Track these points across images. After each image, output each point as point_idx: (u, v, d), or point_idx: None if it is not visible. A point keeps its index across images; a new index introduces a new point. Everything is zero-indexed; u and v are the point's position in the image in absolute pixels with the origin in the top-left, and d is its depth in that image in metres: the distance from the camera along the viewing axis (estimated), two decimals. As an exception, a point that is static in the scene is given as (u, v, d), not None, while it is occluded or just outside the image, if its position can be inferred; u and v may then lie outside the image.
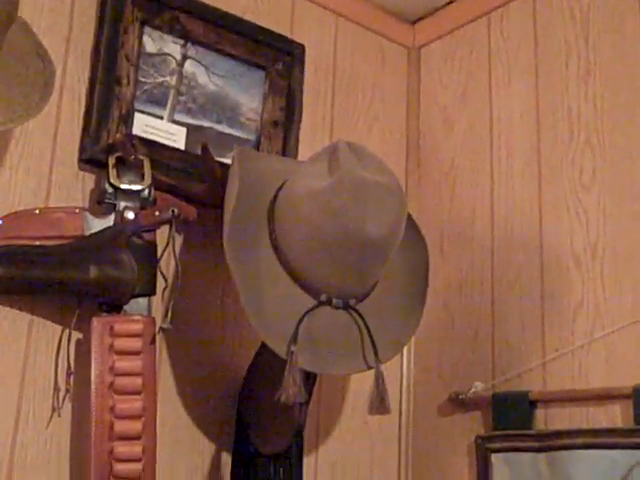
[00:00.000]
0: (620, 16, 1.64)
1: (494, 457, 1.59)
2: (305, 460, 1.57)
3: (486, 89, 1.87)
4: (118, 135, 1.45)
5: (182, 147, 1.59)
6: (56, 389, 1.37)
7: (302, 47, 1.76)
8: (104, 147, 1.45)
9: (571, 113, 1.68)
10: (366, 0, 1.96)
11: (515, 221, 1.73)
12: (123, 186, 1.41)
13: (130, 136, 1.47)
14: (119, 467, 1.30)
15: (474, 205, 1.82)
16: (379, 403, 1.39)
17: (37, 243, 1.35)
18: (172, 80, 1.60)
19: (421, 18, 2.03)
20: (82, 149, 1.47)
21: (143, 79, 1.56)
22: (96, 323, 1.35)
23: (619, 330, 1.51)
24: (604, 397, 1.49)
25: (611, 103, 1.62)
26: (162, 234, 1.45)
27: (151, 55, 1.58)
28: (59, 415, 1.37)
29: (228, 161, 1.54)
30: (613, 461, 1.42)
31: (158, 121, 1.57)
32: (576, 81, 1.68)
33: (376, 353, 1.40)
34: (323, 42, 1.88)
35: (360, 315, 1.40)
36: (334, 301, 1.38)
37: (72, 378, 1.37)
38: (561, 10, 1.74)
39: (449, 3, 1.97)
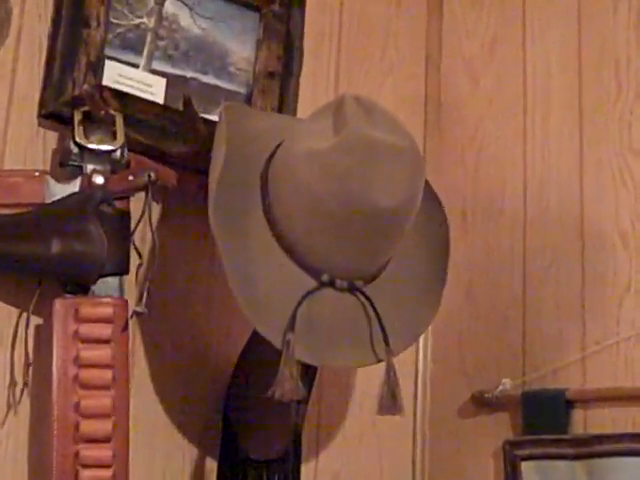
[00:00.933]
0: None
1: (524, 465, 1.60)
2: (303, 468, 1.57)
3: (519, 37, 1.87)
4: (86, 86, 1.44)
5: (161, 101, 1.58)
6: (12, 383, 1.37)
7: (303, -16, 1.77)
8: (69, 100, 1.44)
9: (619, 64, 1.69)
10: None
11: (551, 191, 1.74)
12: (91, 146, 1.40)
13: (100, 87, 1.46)
14: (85, 474, 1.29)
15: (503, 173, 1.83)
16: (390, 402, 1.40)
17: (-10, 212, 1.36)
18: (150, 22, 1.59)
19: (444, -50, 2.04)
20: (42, 102, 1.46)
21: (115, 20, 1.55)
22: (59, 306, 1.34)
23: (672, 319, 1.52)
24: (653, 396, 1.51)
25: (667, 53, 1.63)
26: (137, 202, 1.44)
27: (125, -8, 1.58)
28: (15, 413, 1.37)
29: (215, 118, 1.54)
30: (663, 471, 1.44)
31: (133, 70, 1.56)
32: (626, 28, 1.69)
33: (387, 343, 1.40)
34: (328, -21, 1.89)
35: (368, 298, 1.41)
36: (338, 282, 1.38)
37: (31, 370, 1.36)
38: (609, -60, 1.75)
39: None
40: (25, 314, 1.37)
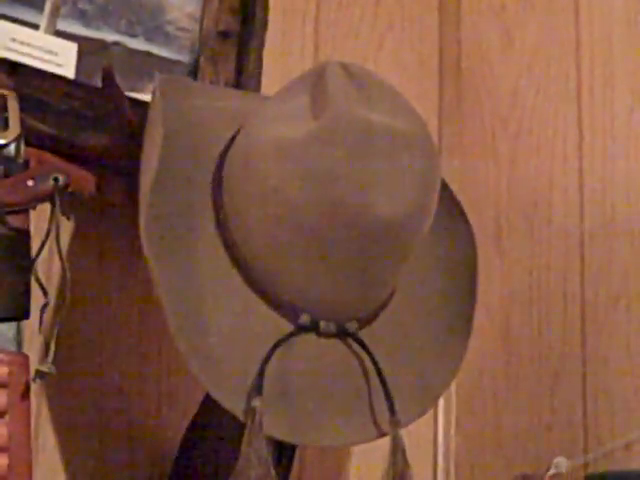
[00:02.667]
0: None
1: None
2: None
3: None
4: (-35, 56, 1.46)
5: (71, 75, 1.59)
6: None
7: None
8: (-57, 75, 1.46)
9: None
10: None
11: (618, 194, 1.76)
12: (-27, 139, 1.42)
13: (-16, 57, 1.48)
14: None
15: (552, 170, 1.85)
16: (399, 492, 1.41)
17: None
18: (53, -36, 1.61)
19: None
20: None
21: (6, -36, 1.57)
22: None
23: None
24: None
25: None
26: (40, 218, 1.45)
27: None
28: None
29: (147, 97, 1.54)
30: None
31: (31, 32, 1.58)
32: None
33: (392, 410, 1.39)
34: None
35: (365, 348, 1.41)
36: (322, 325, 1.38)
37: None
38: None
39: None
40: None
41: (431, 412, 1.71)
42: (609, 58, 1.81)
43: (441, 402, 1.79)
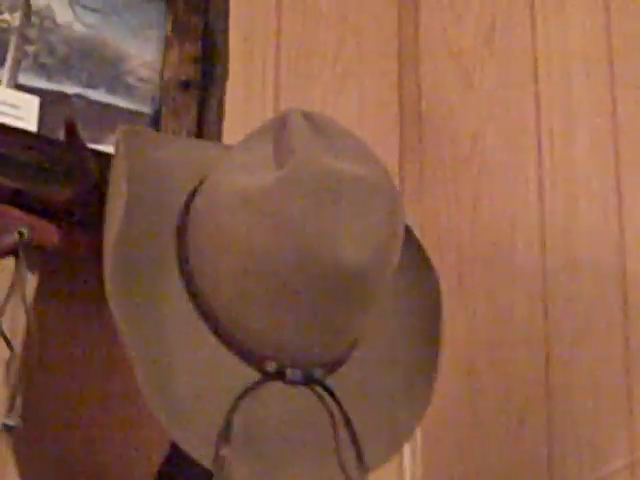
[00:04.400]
0: None
1: None
2: None
3: (527, 17, 1.92)
4: None
5: (33, 128, 1.60)
6: None
7: (225, -46, 1.80)
8: None
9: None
10: None
11: (580, 236, 1.78)
12: (-64, 194, 1.42)
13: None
14: None
15: (513, 211, 1.87)
16: (368, 542, 1.41)
17: None
18: (13, 19, 1.61)
19: None
20: None
21: (-34, 18, 1.57)
22: None
23: None
24: None
25: None
26: (4, 271, 1.46)
27: (-22, -22, 1.60)
28: None
29: (109, 149, 1.56)
30: None
31: (-7, 86, 1.59)
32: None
33: (360, 457, 1.41)
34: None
35: (332, 394, 1.41)
36: (289, 372, 1.39)
37: None
38: None
39: None
40: None
41: (397, 457, 1.71)
42: (568, 100, 1.82)
43: (407, 448, 1.79)
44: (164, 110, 1.71)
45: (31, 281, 1.55)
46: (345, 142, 1.40)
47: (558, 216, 1.80)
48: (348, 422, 1.41)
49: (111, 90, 1.68)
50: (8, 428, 1.38)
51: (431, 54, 2.01)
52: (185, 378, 1.37)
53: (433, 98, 2.00)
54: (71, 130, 1.51)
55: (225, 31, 1.77)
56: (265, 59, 1.87)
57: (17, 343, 1.47)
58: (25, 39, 1.62)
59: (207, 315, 1.40)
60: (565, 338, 1.75)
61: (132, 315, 1.34)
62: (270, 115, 1.52)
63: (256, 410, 1.37)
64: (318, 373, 1.41)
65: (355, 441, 1.41)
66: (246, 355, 1.39)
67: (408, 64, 2.02)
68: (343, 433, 1.42)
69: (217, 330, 1.39)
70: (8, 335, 1.45)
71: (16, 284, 1.45)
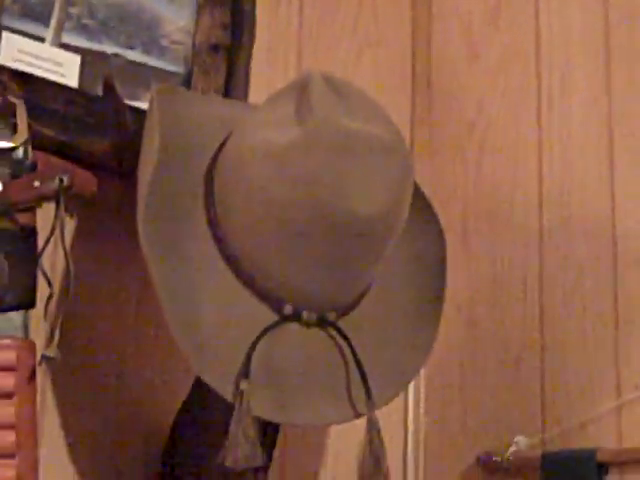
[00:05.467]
0: None
1: None
2: None
3: (530, -2, 1.90)
4: (-24, 66, 1.45)
5: (74, 84, 1.57)
6: None
7: None
8: (-43, 84, 1.45)
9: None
10: None
11: (575, 195, 1.77)
12: (-15, 143, 1.42)
13: (-5, 67, 1.47)
14: None
15: (514, 172, 1.86)
16: (373, 469, 1.39)
17: None
18: (59, -18, 1.61)
19: None
20: None
21: (14, -19, 1.56)
22: (-54, 350, 1.35)
23: None
24: None
25: None
26: (46, 215, 1.44)
27: (26, -56, 1.58)
28: None
29: (144, 105, 1.54)
30: None
31: (38, 45, 1.56)
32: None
33: (368, 393, 1.40)
34: None
35: (344, 335, 1.41)
36: (304, 315, 1.39)
37: None
38: None
39: None
40: None
41: (402, 395, 1.72)
42: (566, 71, 1.82)
43: (411, 386, 1.79)
44: (195, 71, 1.69)
45: (70, 225, 1.54)
46: (361, 104, 1.39)
47: (555, 178, 1.80)
48: (358, 362, 1.41)
49: (147, 51, 1.66)
50: (47, 359, 1.38)
51: (442, 28, 2.01)
52: (209, 318, 1.36)
53: (442, 67, 1.99)
54: (109, 87, 1.52)
55: (253, 1, 1.74)
56: (289, 27, 1.86)
57: (56, 281, 1.46)
58: (68, 1, 1.60)
59: (230, 259, 1.39)
60: (558, 290, 1.75)
61: (161, 257, 1.34)
62: (293, 77, 1.50)
63: (273, 349, 1.37)
64: (331, 316, 1.41)
65: (364, 380, 1.40)
66: (265, 298, 1.38)
67: (420, 36, 2.01)
68: (353, 372, 1.41)
69: (239, 273, 1.39)
70: (48, 273, 1.44)
71: (56, 227, 1.43)
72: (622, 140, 1.72)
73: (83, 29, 1.61)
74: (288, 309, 1.38)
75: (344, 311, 1.43)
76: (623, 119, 1.73)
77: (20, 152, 1.43)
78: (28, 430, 1.35)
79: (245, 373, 1.32)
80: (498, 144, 1.88)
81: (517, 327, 1.77)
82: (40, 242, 1.43)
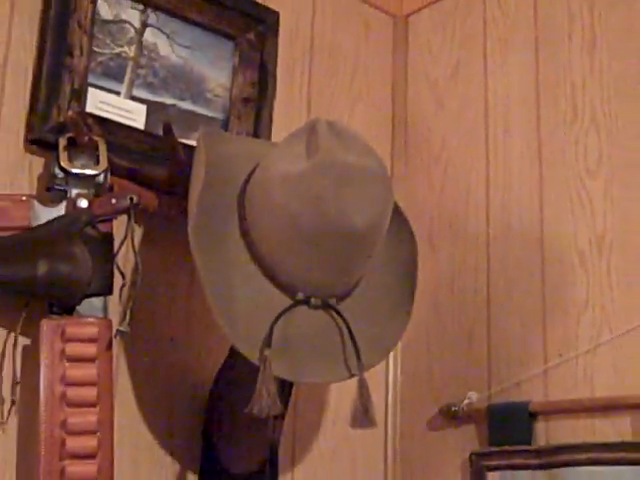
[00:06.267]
0: (629, -17, 1.66)
1: (490, 475, 1.60)
2: (280, 481, 1.59)
3: (481, 62, 1.88)
4: (70, 113, 1.44)
5: (142, 127, 1.58)
6: (0, 401, 1.36)
7: (276, 15, 1.77)
8: (54, 126, 1.44)
9: (575, 89, 1.69)
10: (348, -38, 1.98)
11: (513, 211, 1.75)
12: (75, 170, 1.40)
13: (83, 114, 1.46)
14: (71, 489, 1.30)
15: (468, 192, 1.84)
16: (363, 415, 1.40)
17: (-23, 235, 1.34)
18: (130, 51, 1.59)
19: (409, -18, 2.05)
20: (29, 128, 1.46)
21: (98, 49, 1.55)
22: (45, 326, 1.34)
23: (629, 333, 1.52)
24: (612, 407, 1.51)
25: (619, 78, 1.64)
26: (120, 225, 1.44)
27: (107, 22, 1.57)
28: (3, 430, 1.36)
29: (193, 143, 1.53)
30: (621, 478, 1.44)
31: (115, 97, 1.56)
32: (580, 54, 1.70)
33: (359, 359, 1.40)
34: (300, 9, 1.88)
35: (341, 316, 1.40)
36: (312, 300, 1.38)
37: (18, 388, 1.36)
38: (564, -24, 1.76)
39: (440, -34, 1.99)
40: (13, 334, 1.36)
41: (384, 361, 1.70)
42: (507, 119, 1.81)
43: (392, 354, 1.78)
44: (231, 117, 1.69)
45: (138, 232, 1.54)
46: (355, 143, 1.39)
47: (498, 197, 1.78)
48: (352, 336, 1.40)
49: (195, 102, 1.66)
50: (121, 333, 1.37)
51: (414, 86, 1.99)
52: (241, 302, 1.36)
53: (415, 115, 1.98)
54: (167, 129, 1.50)
55: (274, 64, 1.75)
56: (301, 86, 1.85)
57: (127, 274, 1.45)
58: (138, 65, 1.60)
59: (257, 259, 1.39)
60: (500, 281, 1.74)
61: (206, 259, 1.34)
62: (304, 123, 1.50)
63: (289, 325, 1.37)
64: (332, 301, 1.40)
65: (356, 349, 1.40)
66: (283, 287, 1.38)
67: (398, 93, 2.00)
68: (348, 343, 1.40)
69: (263, 269, 1.39)
70: (122, 268, 1.44)
71: (127, 233, 1.43)
72: (548, 169, 1.70)
73: (148, 86, 1.61)
74: (300, 296, 1.37)
75: (342, 297, 1.42)
76: (549, 154, 1.71)
77: (101, 177, 1.42)
78: (106, 386, 1.35)
79: (268, 343, 1.33)
80: (456, 173, 1.86)
81: (469, 309, 1.76)
82: (116, 245, 1.43)
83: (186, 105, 1.65)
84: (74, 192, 1.40)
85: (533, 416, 1.59)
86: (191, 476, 1.55)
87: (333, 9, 1.94)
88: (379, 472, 1.81)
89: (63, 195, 1.39)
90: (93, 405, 1.33)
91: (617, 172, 1.60)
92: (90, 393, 1.33)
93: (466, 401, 1.68)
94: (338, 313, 1.40)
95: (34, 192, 1.44)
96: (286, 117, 1.77)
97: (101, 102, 1.54)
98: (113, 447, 1.34)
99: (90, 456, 1.31)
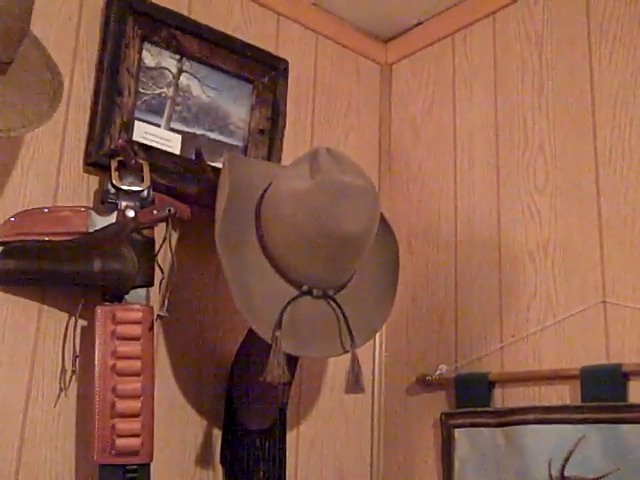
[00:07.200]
0: (571, 36, 1.65)
1: (457, 432, 1.60)
2: (288, 436, 1.57)
3: (450, 102, 1.87)
4: (120, 141, 1.43)
5: (177, 152, 1.57)
6: (63, 371, 1.37)
7: (286, 63, 1.76)
8: (107, 152, 1.44)
9: (526, 123, 1.69)
10: (343, 21, 1.96)
11: (476, 220, 1.74)
12: (124, 187, 1.40)
13: (130, 142, 1.46)
14: (120, 442, 1.29)
15: (439, 206, 1.82)
16: (354, 383, 1.40)
17: (46, 239, 1.34)
18: (169, 91, 1.59)
19: (393, 38, 2.03)
20: (87, 153, 1.46)
21: (142, 90, 1.55)
22: (99, 311, 1.34)
23: (568, 318, 1.52)
24: (555, 377, 1.50)
25: (562, 114, 1.63)
26: (159, 231, 1.44)
27: (150, 68, 1.57)
28: (66, 395, 1.37)
29: (219, 165, 1.54)
30: (562, 435, 1.43)
31: (156, 128, 1.56)
32: (531, 94, 1.69)
33: (352, 338, 1.39)
34: (305, 58, 1.87)
35: (338, 304, 1.40)
36: (314, 291, 1.38)
37: (78, 361, 1.36)
38: (518, 31, 1.75)
39: (418, 25, 1.97)
40: (73, 318, 1.37)
41: (372, 340, 1.70)
42: (471, 146, 1.80)
43: (378, 334, 1.78)
44: (249, 145, 1.69)
45: (174, 236, 1.53)
46: (349, 165, 1.39)
47: (464, 211, 1.77)
48: (346, 320, 1.40)
49: (221, 132, 1.65)
50: (160, 317, 1.38)
51: (397, 120, 1.98)
52: (257, 293, 1.36)
53: (397, 143, 1.97)
54: (198, 154, 1.51)
55: (284, 102, 1.74)
56: (306, 120, 1.85)
57: (165, 270, 1.46)
58: (175, 103, 1.60)
59: (270, 258, 1.38)
60: (466, 277, 1.73)
61: (229, 258, 1.34)
62: (308, 149, 1.50)
63: (295, 312, 1.36)
64: (331, 292, 1.40)
65: (349, 330, 1.40)
66: (291, 281, 1.38)
67: (384, 124, 1.99)
68: (343, 326, 1.40)
69: (275, 267, 1.38)
70: (161, 265, 1.44)
71: (166, 238, 1.43)
72: (504, 187, 1.69)
73: (183, 119, 1.60)
74: (305, 288, 1.37)
75: (338, 289, 1.42)
76: (505, 175, 1.70)
77: (145, 193, 1.42)
78: (148, 360, 1.36)
79: (278, 325, 1.33)
80: (430, 190, 1.85)
81: (441, 299, 1.75)
82: (156, 247, 1.43)
83: (213, 135, 1.64)
84: (123, 204, 1.40)
85: (492, 384, 1.58)
86: (216, 431, 1.54)
87: (331, 58, 1.93)
88: (366, 429, 1.80)
89: (114, 207, 1.40)
90: (137, 375, 1.33)
91: (560, 189, 1.59)
92: (135, 365, 1.33)
93: (438, 372, 1.68)
94: (335, 302, 1.40)
95: (91, 204, 1.44)
96: (294, 145, 1.77)
97: (145, 132, 1.54)
98: (153, 408, 1.34)
99: (135, 415, 1.32)
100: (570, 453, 1.41)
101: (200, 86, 1.63)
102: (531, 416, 1.48)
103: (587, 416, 1.41)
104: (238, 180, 1.42)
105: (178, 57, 1.61)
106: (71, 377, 1.37)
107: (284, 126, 1.72)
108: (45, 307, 1.37)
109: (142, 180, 1.42)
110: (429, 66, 1.94)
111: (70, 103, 1.47)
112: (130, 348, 1.34)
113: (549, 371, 1.51)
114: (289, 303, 1.35)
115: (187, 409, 1.52)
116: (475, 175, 1.77)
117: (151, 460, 1.33)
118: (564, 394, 1.49)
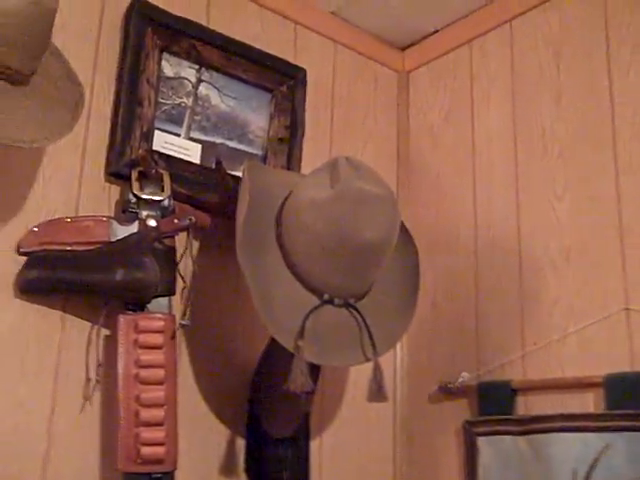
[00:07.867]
0: (589, 43, 1.65)
1: (480, 440, 1.60)
2: (311, 443, 1.58)
3: (468, 109, 1.88)
4: (140, 151, 1.45)
5: (197, 161, 1.58)
6: (87, 380, 1.38)
7: (304, 71, 1.77)
8: (128, 162, 1.45)
9: (545, 131, 1.69)
10: (361, 29, 1.97)
11: (496, 227, 1.74)
12: (145, 197, 1.42)
13: (151, 152, 1.48)
14: (145, 450, 1.30)
15: (458, 213, 1.83)
16: (377, 392, 1.40)
17: (68, 248, 1.35)
18: (188, 101, 1.60)
19: (410, 45, 2.04)
20: (108, 163, 1.47)
21: (162, 100, 1.56)
22: (122, 320, 1.35)
23: (590, 325, 1.52)
24: (578, 385, 1.50)
25: (581, 121, 1.63)
26: (181, 240, 1.45)
27: (169, 79, 1.58)
28: (90, 403, 1.38)
29: (239, 174, 1.55)
30: (586, 443, 1.43)
31: (176, 138, 1.57)
32: (549, 103, 1.69)
33: (374, 347, 1.40)
34: (323, 67, 1.88)
35: (359, 312, 1.40)
36: (336, 300, 1.38)
37: (101, 370, 1.37)
38: (535, 39, 1.76)
39: (435, 32, 1.98)
40: (96, 326, 1.38)
41: (393, 348, 1.67)
42: (490, 153, 1.80)
43: (399, 343, 1.77)
44: (269, 153, 1.70)
45: (195, 245, 1.54)
46: (369, 174, 1.39)
47: (484, 217, 1.77)
48: (367, 328, 1.40)
49: (240, 141, 1.67)
50: (182, 325, 1.39)
51: (415, 128, 1.99)
52: (278, 301, 1.36)
53: (416, 152, 1.97)
54: (218, 163, 1.52)
55: (303, 111, 1.75)
56: (325, 129, 1.86)
57: (187, 279, 1.46)
58: (194, 112, 1.61)
59: (291, 267, 1.39)
60: (486, 284, 1.73)
61: (250, 266, 1.35)
62: (327, 158, 1.50)
63: (317, 321, 1.36)
64: (352, 301, 1.40)
65: (371, 339, 1.40)
66: (312, 290, 1.38)
67: (402, 133, 1.99)
68: (365, 335, 1.40)
69: (296, 275, 1.39)
70: (182, 274, 1.45)
71: (187, 246, 1.44)
72: (524, 195, 1.70)
73: (202, 128, 1.61)
74: (326, 296, 1.37)
75: (360, 298, 1.42)
76: (524, 182, 1.70)
77: (166, 202, 1.43)
78: (171, 368, 1.36)
79: (301, 335, 1.33)
80: (449, 198, 1.85)
81: (461, 307, 1.75)
82: (178, 256, 1.44)
83: (233, 144, 1.65)
84: (144, 214, 1.41)
85: (514, 392, 1.58)
86: (239, 439, 1.55)
87: (349, 66, 1.94)
88: (389, 437, 1.80)
89: (135, 216, 1.41)
90: (161, 383, 1.34)
91: (580, 196, 1.60)
92: (158, 374, 1.34)
93: (460, 380, 1.68)
94: (357, 310, 1.40)
95: (112, 214, 1.45)
96: (313, 152, 1.77)
97: (165, 142, 1.55)
98: (177, 417, 1.35)
99: (159, 424, 1.33)
100: (595, 461, 1.41)
101: (219, 95, 1.64)
102: (555, 424, 1.48)
103: (612, 424, 1.41)
104: (258, 189, 1.42)
105: (197, 67, 1.62)
106: (95, 386, 1.37)
107: (303, 134, 1.73)
108: (68, 316, 1.39)
109: (162, 189, 1.43)
110: (446, 74, 1.95)
111: (91, 114, 1.48)
112: (153, 357, 1.35)
113: (572, 379, 1.51)
114: (311, 312, 1.35)
115: (210, 417, 1.52)
116: (494, 182, 1.77)
117: (175, 468, 1.34)
118: (587, 402, 1.49)
